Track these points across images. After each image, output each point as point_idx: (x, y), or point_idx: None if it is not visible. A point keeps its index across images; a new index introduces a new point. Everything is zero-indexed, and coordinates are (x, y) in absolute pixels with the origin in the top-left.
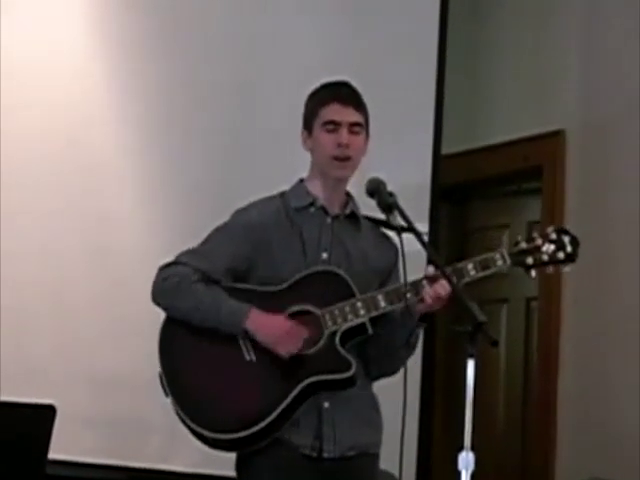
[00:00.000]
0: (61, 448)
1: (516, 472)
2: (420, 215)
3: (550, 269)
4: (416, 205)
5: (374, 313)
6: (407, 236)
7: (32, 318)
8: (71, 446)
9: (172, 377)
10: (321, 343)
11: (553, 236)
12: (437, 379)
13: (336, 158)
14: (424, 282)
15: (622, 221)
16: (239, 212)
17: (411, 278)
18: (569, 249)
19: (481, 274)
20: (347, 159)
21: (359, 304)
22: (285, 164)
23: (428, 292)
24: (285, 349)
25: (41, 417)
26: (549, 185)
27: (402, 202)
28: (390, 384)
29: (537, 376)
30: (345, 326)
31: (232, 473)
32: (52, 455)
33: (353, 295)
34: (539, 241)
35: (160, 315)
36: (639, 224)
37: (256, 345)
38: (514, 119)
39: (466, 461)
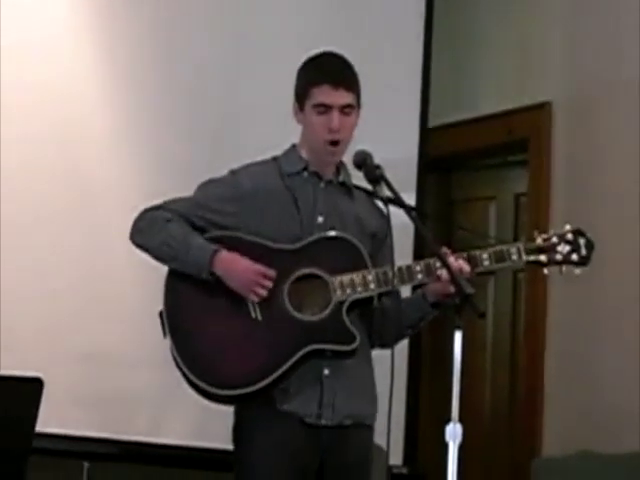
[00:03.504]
0: (50, 422)
1: (503, 444)
2: (407, 187)
3: (563, 270)
4: (403, 177)
5: (384, 289)
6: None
7: (17, 296)
8: (60, 420)
9: (174, 318)
10: (328, 311)
11: (569, 237)
12: (424, 351)
13: (327, 143)
14: (437, 263)
15: (609, 193)
16: (232, 173)
17: (397, 254)
18: (583, 252)
19: (495, 266)
20: (337, 143)
21: (370, 277)
22: (270, 139)
23: (453, 263)
24: (255, 295)
25: (28, 390)
26: (535, 157)
27: (389, 174)
28: (377, 356)
29: (524, 348)
30: (353, 297)
31: (221, 445)
32: (42, 428)
33: (365, 265)
34: (555, 240)
35: (148, 290)
36: (628, 195)
37: (263, 304)
38: (500, 91)
39: (453, 433)
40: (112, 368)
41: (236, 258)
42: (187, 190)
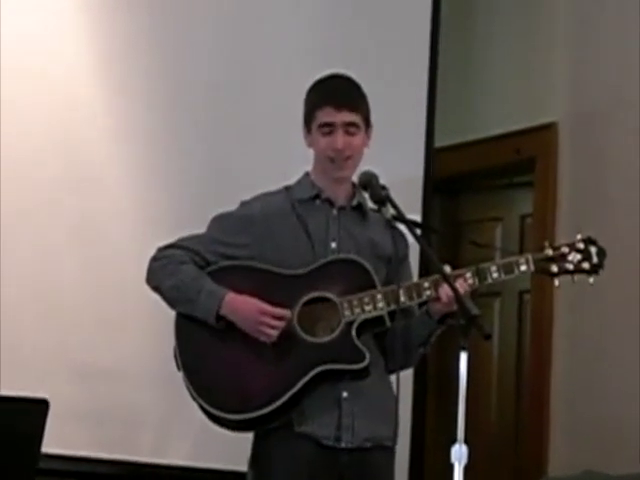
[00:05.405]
0: (54, 442)
1: (509, 465)
2: (413, 208)
3: (574, 279)
4: (409, 198)
5: (393, 307)
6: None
7: (19, 314)
8: (64, 440)
9: (186, 352)
10: (337, 331)
11: (580, 245)
12: (430, 372)
13: (333, 160)
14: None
15: (615, 213)
16: (243, 204)
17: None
18: (595, 260)
19: (504, 278)
20: (345, 160)
21: (379, 296)
22: (281, 152)
23: (445, 291)
24: (264, 335)
25: (34, 411)
26: (542, 178)
27: (394, 195)
28: None
29: (530, 369)
30: (362, 317)
31: (224, 466)
32: (45, 449)
33: (374, 286)
34: (565, 249)
35: (152, 309)
36: (633, 216)
37: None
38: (506, 112)
39: (459, 454)
40: (115, 387)
41: (245, 300)
42: (192, 203)
